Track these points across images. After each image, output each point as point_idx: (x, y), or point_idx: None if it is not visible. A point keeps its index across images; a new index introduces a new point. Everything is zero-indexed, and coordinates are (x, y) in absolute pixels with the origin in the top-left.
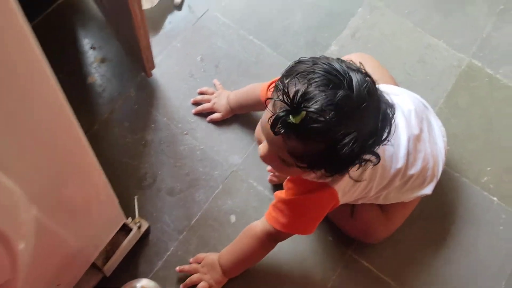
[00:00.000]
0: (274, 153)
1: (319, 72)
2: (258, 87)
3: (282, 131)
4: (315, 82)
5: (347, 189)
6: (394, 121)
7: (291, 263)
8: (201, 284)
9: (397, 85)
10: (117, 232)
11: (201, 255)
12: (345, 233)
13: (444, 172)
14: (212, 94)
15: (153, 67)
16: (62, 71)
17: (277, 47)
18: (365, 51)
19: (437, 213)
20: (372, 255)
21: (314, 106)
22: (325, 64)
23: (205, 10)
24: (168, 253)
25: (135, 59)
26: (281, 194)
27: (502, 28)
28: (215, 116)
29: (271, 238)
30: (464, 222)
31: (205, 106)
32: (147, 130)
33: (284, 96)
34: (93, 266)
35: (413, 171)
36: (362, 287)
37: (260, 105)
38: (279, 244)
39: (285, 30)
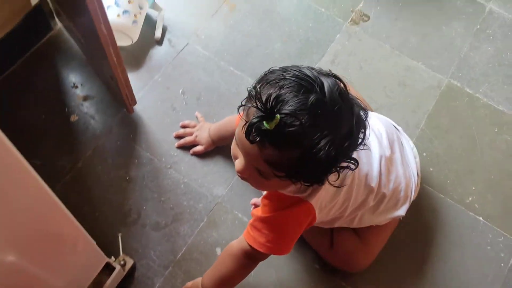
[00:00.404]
0: (251, 166)
1: (290, 78)
2: (233, 118)
3: (258, 139)
4: (287, 87)
5: (323, 204)
6: (368, 124)
7: None
8: None
9: (371, 109)
10: (101, 272)
11: (188, 283)
12: (327, 261)
13: (428, 194)
14: (194, 127)
15: (134, 103)
16: (45, 111)
17: (257, 76)
18: (345, 76)
19: (423, 235)
20: (360, 281)
21: (288, 109)
22: (295, 70)
23: (185, 44)
24: None
25: (116, 96)
26: (257, 212)
27: (479, 47)
28: (198, 148)
29: (249, 256)
30: (450, 243)
31: (187, 139)
32: (130, 165)
33: (257, 102)
34: None
35: (385, 191)
36: None
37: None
38: (265, 273)
39: (265, 60)
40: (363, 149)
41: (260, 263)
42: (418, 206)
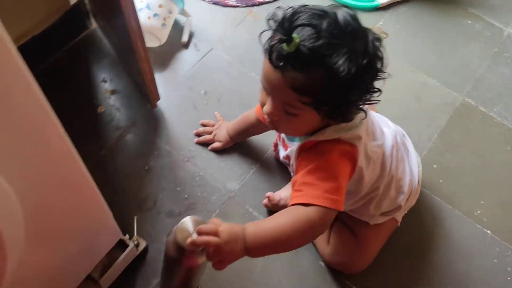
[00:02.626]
0: (279, 104)
1: (305, 10)
2: (251, 110)
3: (281, 64)
4: (303, 17)
5: (369, 152)
6: (383, 52)
7: (283, 283)
8: (213, 251)
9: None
10: (115, 249)
11: (218, 220)
12: (325, 262)
13: (436, 204)
14: (213, 126)
15: (158, 98)
16: (75, 101)
17: None
18: None
19: (430, 244)
20: (364, 282)
21: (305, 32)
22: (308, 5)
23: (209, 49)
24: None
25: (141, 92)
26: (299, 176)
27: (495, 69)
28: (216, 145)
29: (310, 222)
30: (457, 253)
31: (206, 137)
32: (150, 156)
33: (275, 25)
34: (90, 279)
35: (394, 173)
36: None
37: (256, 127)
38: (271, 267)
39: None
40: (383, 78)
41: (266, 257)
42: (425, 215)
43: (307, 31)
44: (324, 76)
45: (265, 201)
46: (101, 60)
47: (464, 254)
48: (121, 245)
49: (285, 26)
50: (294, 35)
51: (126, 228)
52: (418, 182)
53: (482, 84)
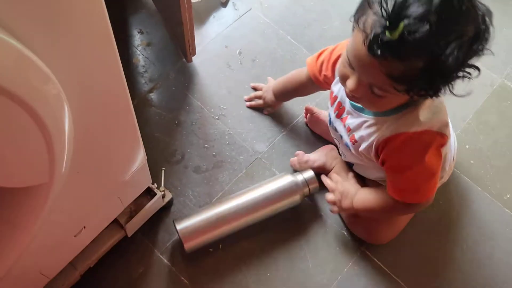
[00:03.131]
0: (365, 83)
1: None
2: (301, 69)
3: (379, 52)
4: None
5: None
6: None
7: (306, 250)
8: (334, 206)
9: None
10: (142, 197)
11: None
12: (351, 230)
13: (466, 184)
14: (261, 89)
15: (194, 52)
16: None
17: (313, 49)
18: None
19: (456, 223)
20: (384, 254)
21: (412, 16)
22: None
23: (248, 9)
24: None
25: (178, 44)
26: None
27: None
28: (268, 110)
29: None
30: (482, 235)
31: (257, 102)
32: (181, 111)
33: (381, 8)
34: (117, 224)
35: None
36: (370, 283)
37: (306, 88)
38: (294, 231)
39: (322, 34)
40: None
41: (290, 219)
42: (453, 194)
43: (413, 12)
44: (427, 64)
45: (294, 159)
46: (139, 11)
47: (490, 237)
48: (149, 194)
49: (393, 9)
50: (400, 23)
51: (154, 179)
52: (453, 158)
53: None
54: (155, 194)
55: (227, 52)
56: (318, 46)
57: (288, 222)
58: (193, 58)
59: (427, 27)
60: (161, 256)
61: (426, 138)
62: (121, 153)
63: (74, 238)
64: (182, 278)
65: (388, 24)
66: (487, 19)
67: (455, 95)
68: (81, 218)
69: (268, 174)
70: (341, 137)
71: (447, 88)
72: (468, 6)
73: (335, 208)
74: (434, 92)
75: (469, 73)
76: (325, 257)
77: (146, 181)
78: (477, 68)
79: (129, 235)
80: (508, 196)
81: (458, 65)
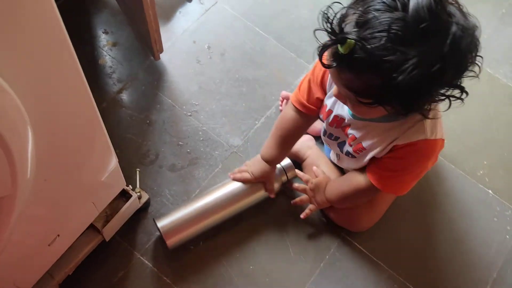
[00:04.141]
0: (341, 92)
1: None
2: (283, 114)
3: (334, 64)
4: (370, 6)
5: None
6: (479, 45)
7: (286, 240)
8: (310, 205)
9: None
10: (118, 199)
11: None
12: (331, 219)
13: (439, 163)
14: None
15: (161, 50)
16: (76, 51)
17: (282, 39)
18: None
19: (432, 202)
20: (365, 238)
21: (363, 34)
22: None
23: (214, 2)
24: None
25: (144, 43)
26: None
27: (502, 31)
28: (269, 188)
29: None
30: (458, 212)
31: (243, 175)
32: (152, 110)
33: (327, 24)
34: (94, 229)
35: None
36: (353, 267)
37: (296, 126)
38: (274, 222)
39: (291, 24)
40: (471, 76)
41: (269, 211)
42: (428, 174)
43: (367, 28)
44: (382, 80)
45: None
46: (102, 10)
47: (465, 213)
48: (124, 196)
49: (336, 27)
50: (350, 36)
51: (128, 180)
52: None
53: (489, 45)
54: (131, 196)
55: (195, 47)
56: (287, 36)
57: (268, 214)
58: (161, 55)
59: (380, 42)
60: (141, 258)
61: (437, 145)
62: (90, 158)
63: (49, 247)
64: (165, 278)
65: (338, 39)
66: (463, 36)
67: (426, 118)
68: (54, 227)
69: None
70: (339, 144)
71: (425, 107)
72: (428, 25)
73: (308, 211)
74: (405, 109)
75: (454, 95)
76: (306, 245)
77: (120, 184)
78: (463, 91)
79: (107, 239)
80: (481, 172)
81: (415, 85)
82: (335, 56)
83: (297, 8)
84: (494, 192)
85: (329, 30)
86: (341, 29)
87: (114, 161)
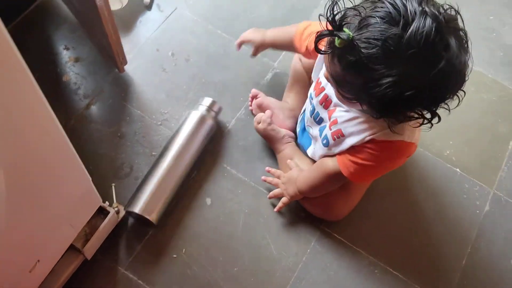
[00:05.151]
0: (328, 78)
1: (388, 2)
2: (293, 28)
3: (328, 52)
4: (377, 12)
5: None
6: (463, 84)
7: (267, 239)
8: (283, 198)
9: None
10: (96, 217)
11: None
12: (308, 210)
13: None
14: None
15: (125, 62)
16: (38, 71)
17: None
18: None
19: (404, 186)
20: (344, 228)
21: (363, 35)
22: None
23: (173, 9)
24: (147, 237)
25: (107, 56)
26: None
27: None
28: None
29: (341, 178)
30: (430, 193)
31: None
32: (122, 123)
33: (330, 15)
34: (74, 249)
35: None
36: (335, 257)
37: (291, 47)
38: (252, 219)
39: (252, 23)
40: (447, 109)
41: (248, 214)
42: None
43: (367, 32)
44: (362, 83)
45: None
46: (61, 26)
47: (436, 193)
48: (102, 213)
49: (340, 18)
50: (347, 31)
51: (104, 197)
52: None
53: None
54: (108, 212)
55: (159, 55)
56: None
57: (246, 214)
58: (126, 67)
59: (372, 50)
60: (126, 272)
61: (411, 148)
62: (62, 183)
63: (30, 274)
64: None
65: (334, 30)
66: (450, 73)
67: (402, 122)
68: (33, 253)
69: (220, 169)
70: (320, 128)
71: (399, 116)
72: (417, 52)
73: (281, 204)
74: (378, 114)
75: (425, 117)
76: (287, 241)
77: (96, 202)
78: (435, 116)
79: (88, 258)
80: (448, 152)
81: (386, 100)
82: (331, 45)
83: (257, 7)
84: (462, 170)
85: (331, 20)
86: (342, 24)
87: (87, 182)
